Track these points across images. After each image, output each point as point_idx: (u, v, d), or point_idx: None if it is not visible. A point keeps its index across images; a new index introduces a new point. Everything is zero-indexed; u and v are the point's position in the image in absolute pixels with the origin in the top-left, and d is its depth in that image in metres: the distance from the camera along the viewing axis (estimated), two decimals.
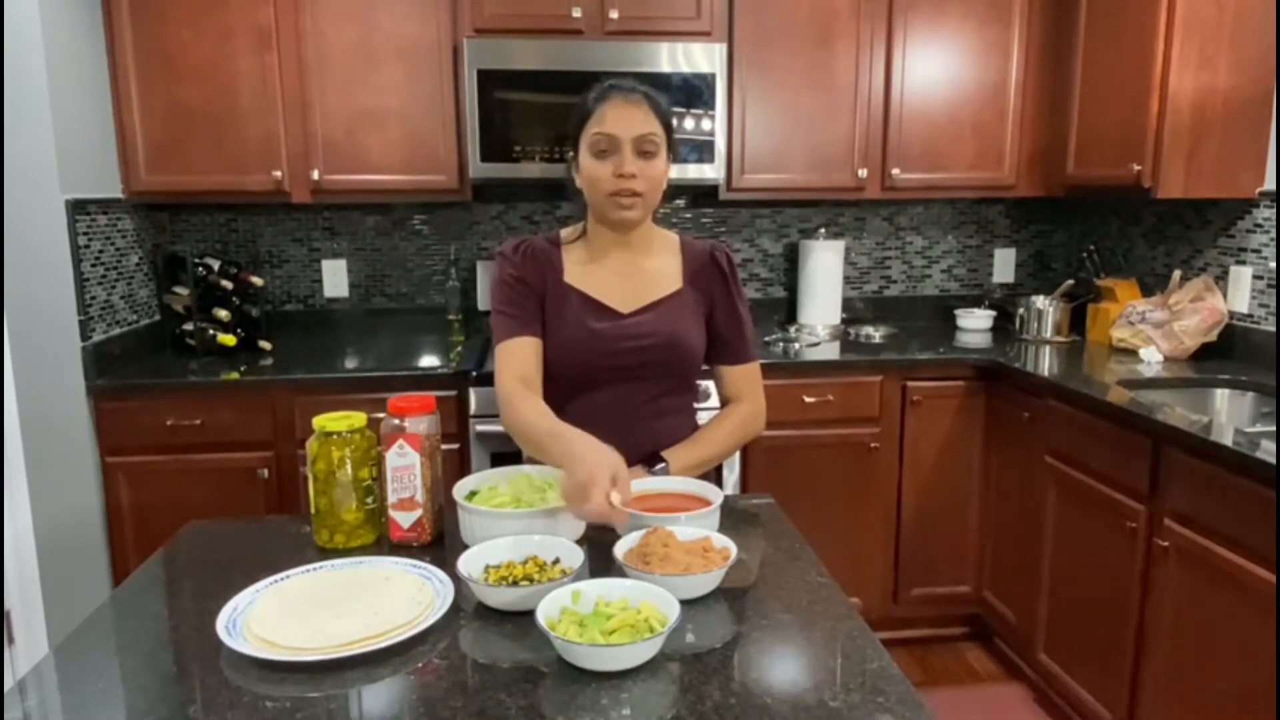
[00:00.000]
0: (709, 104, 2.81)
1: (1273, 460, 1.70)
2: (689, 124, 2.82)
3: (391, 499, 1.35)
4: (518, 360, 1.55)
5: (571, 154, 1.58)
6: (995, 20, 2.99)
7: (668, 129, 1.54)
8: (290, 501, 2.66)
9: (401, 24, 2.78)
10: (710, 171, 2.87)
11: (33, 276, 2.35)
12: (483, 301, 3.16)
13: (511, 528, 1.28)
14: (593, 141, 1.50)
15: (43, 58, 2.35)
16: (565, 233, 1.67)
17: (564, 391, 1.60)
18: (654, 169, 1.52)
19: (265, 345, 2.95)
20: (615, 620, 1.02)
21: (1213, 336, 2.65)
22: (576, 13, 2.78)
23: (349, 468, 1.34)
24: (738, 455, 2.74)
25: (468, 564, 1.18)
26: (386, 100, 2.82)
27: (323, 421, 1.35)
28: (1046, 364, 2.72)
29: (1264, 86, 2.52)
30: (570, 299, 1.58)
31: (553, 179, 2.79)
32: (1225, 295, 2.69)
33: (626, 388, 1.59)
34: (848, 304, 3.40)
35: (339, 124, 2.81)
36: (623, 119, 1.49)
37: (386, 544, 1.38)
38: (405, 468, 1.34)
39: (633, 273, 1.61)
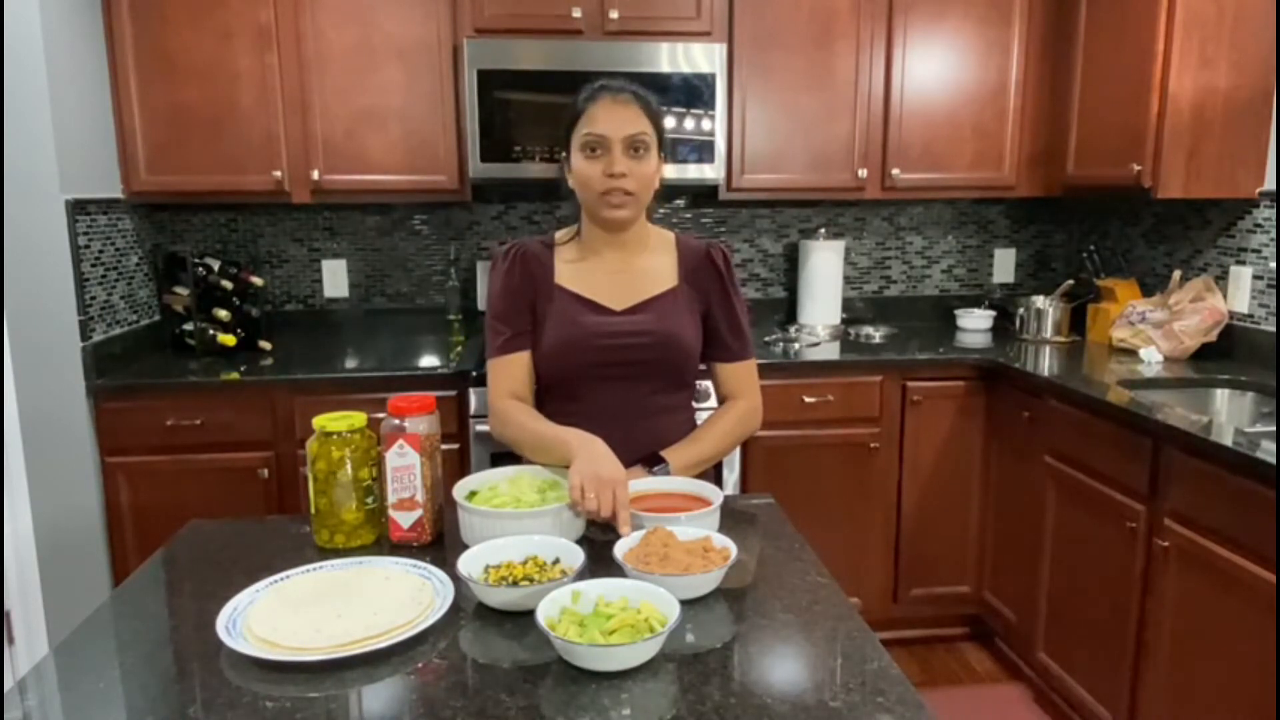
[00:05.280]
0: (709, 104, 2.81)
1: (1273, 460, 1.70)
2: (689, 124, 2.82)
3: (391, 499, 1.35)
4: (506, 378, 1.60)
5: (564, 154, 1.58)
6: (995, 20, 2.99)
7: (658, 128, 1.54)
8: (290, 501, 2.66)
9: (401, 24, 2.78)
10: (710, 171, 2.87)
11: (33, 276, 2.35)
12: (482, 302, 3.16)
13: (511, 528, 1.28)
14: (583, 142, 1.51)
15: (43, 58, 2.35)
16: (559, 235, 1.68)
17: (562, 392, 1.61)
18: (645, 168, 1.53)
19: (265, 345, 2.95)
20: (615, 620, 1.02)
21: (1213, 336, 2.65)
22: (576, 13, 2.78)
23: (349, 468, 1.34)
24: (737, 455, 2.74)
25: (468, 564, 1.18)
26: (386, 100, 2.81)
27: (323, 421, 1.35)
28: (1046, 364, 2.72)
29: (1264, 86, 2.52)
30: (562, 300, 1.59)
31: (552, 179, 2.74)
32: (1225, 295, 2.69)
33: (623, 386, 1.59)
34: (848, 304, 3.39)
35: (339, 124, 2.81)
36: (612, 118, 1.49)
37: (386, 544, 1.38)
38: (405, 468, 1.34)
39: (626, 271, 1.62)
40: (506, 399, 1.58)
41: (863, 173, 3.02)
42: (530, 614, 1.04)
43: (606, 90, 1.51)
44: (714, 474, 1.70)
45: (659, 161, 1.56)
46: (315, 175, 2.81)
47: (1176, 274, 2.80)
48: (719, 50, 2.79)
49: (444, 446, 1.51)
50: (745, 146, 2.97)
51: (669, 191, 3.22)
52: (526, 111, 2.76)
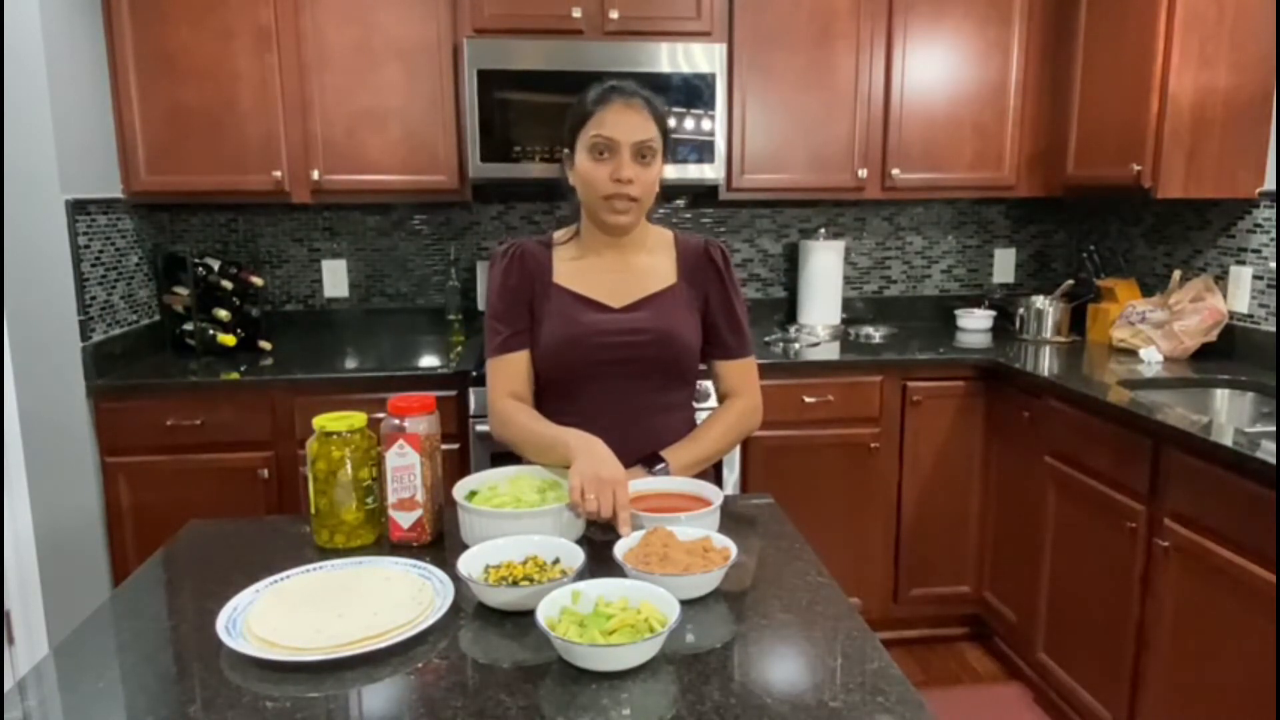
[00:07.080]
0: (709, 104, 2.81)
1: (1273, 460, 1.70)
2: (689, 124, 2.82)
3: (391, 499, 1.35)
4: (506, 377, 1.60)
5: (566, 152, 1.58)
6: (995, 20, 2.99)
7: (664, 133, 1.54)
8: (290, 501, 2.66)
9: (401, 24, 2.78)
10: (710, 171, 2.87)
11: (33, 276, 2.35)
12: (482, 302, 3.16)
13: (511, 528, 1.28)
14: (591, 143, 1.50)
15: (43, 58, 2.35)
16: (558, 234, 1.68)
17: (561, 391, 1.61)
18: (650, 174, 1.53)
19: (265, 345, 2.96)
20: (615, 620, 1.02)
21: (1213, 336, 2.65)
22: (576, 13, 2.78)
23: (349, 468, 1.34)
24: (737, 455, 2.74)
25: (468, 564, 1.18)
26: (386, 100, 2.82)
27: (323, 421, 1.35)
28: (1046, 364, 2.72)
29: (1264, 86, 2.52)
30: (560, 298, 1.59)
31: (553, 179, 2.74)
32: (1225, 295, 2.69)
33: (623, 384, 1.59)
34: (848, 304, 3.39)
35: (339, 124, 2.81)
36: (622, 123, 1.49)
37: (386, 544, 1.38)
38: (405, 468, 1.34)
39: (625, 269, 1.62)
40: (506, 399, 1.58)
41: (863, 173, 3.02)
42: (530, 614, 1.04)
43: (618, 93, 1.51)
44: (714, 474, 1.70)
45: (662, 165, 1.56)
46: (315, 175, 2.81)
47: (1176, 274, 2.80)
48: (719, 50, 2.79)
49: (444, 446, 1.50)
50: (745, 146, 2.97)
51: (669, 191, 3.21)
52: (526, 111, 2.76)
